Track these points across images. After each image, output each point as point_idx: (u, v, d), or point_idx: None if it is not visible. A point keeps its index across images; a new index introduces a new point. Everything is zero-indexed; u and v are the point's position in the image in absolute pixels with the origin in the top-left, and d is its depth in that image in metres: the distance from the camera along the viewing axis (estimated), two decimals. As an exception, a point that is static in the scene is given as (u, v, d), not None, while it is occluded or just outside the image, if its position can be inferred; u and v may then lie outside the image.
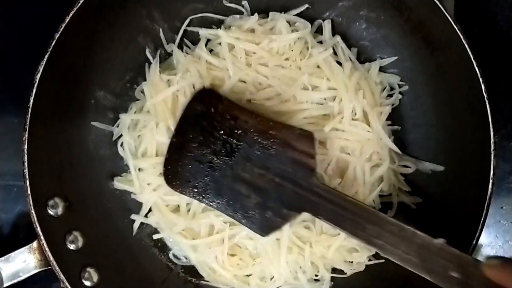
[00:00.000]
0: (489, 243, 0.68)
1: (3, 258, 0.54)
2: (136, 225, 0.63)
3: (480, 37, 0.70)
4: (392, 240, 0.48)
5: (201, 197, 0.57)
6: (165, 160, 0.58)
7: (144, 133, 0.62)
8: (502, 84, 0.70)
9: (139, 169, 0.63)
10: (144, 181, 0.62)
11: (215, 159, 0.56)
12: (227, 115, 0.57)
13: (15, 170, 0.67)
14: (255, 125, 0.56)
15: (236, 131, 0.56)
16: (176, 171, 0.57)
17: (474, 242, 0.53)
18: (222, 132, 0.56)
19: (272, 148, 0.55)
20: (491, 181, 0.53)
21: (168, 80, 0.62)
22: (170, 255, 0.64)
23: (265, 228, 0.54)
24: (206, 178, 0.56)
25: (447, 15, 0.54)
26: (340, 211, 0.51)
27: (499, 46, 0.71)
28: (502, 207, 0.69)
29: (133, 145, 0.63)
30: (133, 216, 0.63)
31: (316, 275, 0.61)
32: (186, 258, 0.64)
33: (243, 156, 0.55)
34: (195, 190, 0.57)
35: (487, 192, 0.53)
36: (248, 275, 0.61)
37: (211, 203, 0.56)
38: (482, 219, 0.53)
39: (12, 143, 0.67)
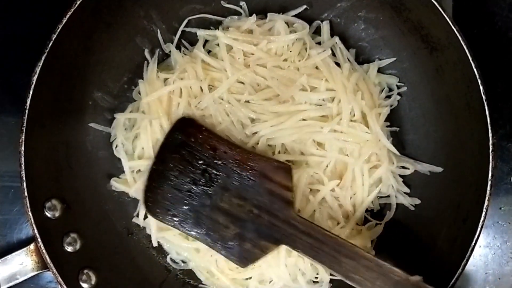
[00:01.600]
0: (488, 243, 0.68)
1: (0, 260, 0.54)
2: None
3: (479, 38, 0.70)
4: (369, 275, 0.49)
5: (180, 226, 0.57)
6: (145, 187, 0.59)
7: (139, 133, 0.62)
8: (501, 84, 0.70)
9: (137, 171, 0.62)
10: (140, 179, 0.62)
11: (194, 188, 0.57)
12: (206, 145, 0.57)
13: (12, 171, 0.67)
14: (234, 156, 0.57)
15: (215, 161, 0.57)
16: (156, 199, 0.58)
17: (473, 243, 0.53)
18: (201, 162, 0.57)
19: (250, 179, 0.56)
20: (489, 182, 0.53)
21: (165, 79, 0.62)
22: (168, 260, 0.64)
23: (244, 259, 0.55)
24: (185, 207, 0.57)
25: (445, 16, 0.54)
26: (317, 244, 0.52)
27: (497, 47, 0.71)
28: (500, 208, 0.69)
29: (129, 147, 0.63)
30: (135, 219, 0.63)
31: (316, 277, 0.61)
32: (184, 262, 0.64)
33: (221, 186, 0.56)
34: (175, 218, 0.57)
35: (485, 193, 0.53)
36: (247, 279, 0.61)
37: (191, 232, 0.57)
38: (481, 220, 0.53)
39: (10, 143, 0.67)
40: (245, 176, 0.56)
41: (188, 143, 0.58)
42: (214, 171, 0.56)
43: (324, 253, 0.51)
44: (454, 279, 0.53)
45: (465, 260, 0.53)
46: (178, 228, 0.58)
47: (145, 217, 0.63)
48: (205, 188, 0.56)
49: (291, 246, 0.53)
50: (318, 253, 0.51)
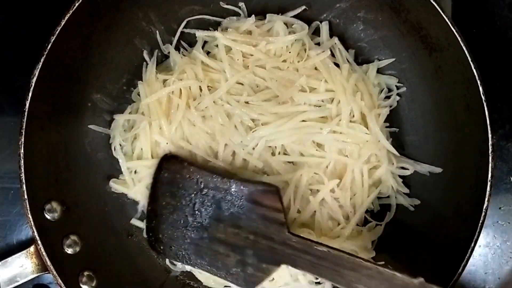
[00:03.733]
0: (487, 243, 0.68)
1: (0, 263, 0.54)
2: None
3: (478, 38, 0.70)
4: (372, 283, 0.49)
5: (184, 260, 0.58)
6: (146, 229, 0.61)
7: (138, 134, 0.62)
8: (500, 84, 0.70)
9: (135, 171, 0.63)
10: (140, 182, 0.62)
11: (190, 222, 0.58)
12: (192, 179, 0.58)
13: (12, 172, 0.66)
14: (220, 187, 0.57)
15: (203, 194, 0.57)
16: (157, 238, 0.59)
17: (473, 243, 0.53)
18: (190, 197, 0.58)
19: (240, 207, 0.56)
20: (489, 183, 0.53)
21: (164, 80, 0.62)
22: (167, 261, 0.64)
23: (249, 283, 0.56)
24: (185, 241, 0.58)
25: (444, 16, 0.54)
26: (316, 260, 0.52)
27: (497, 47, 0.71)
28: (500, 208, 0.69)
29: (129, 148, 0.63)
30: (133, 221, 0.63)
31: (317, 278, 0.61)
32: (183, 264, 0.63)
33: (215, 217, 0.57)
34: (178, 254, 0.58)
35: (485, 194, 0.53)
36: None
37: (196, 265, 0.58)
38: (481, 220, 0.53)
39: (9, 145, 0.66)
40: (235, 205, 0.56)
41: (175, 179, 0.59)
42: (204, 205, 0.57)
43: (325, 268, 0.51)
44: (454, 279, 0.53)
45: (465, 260, 0.53)
46: (183, 263, 0.59)
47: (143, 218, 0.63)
48: (199, 221, 0.57)
49: (292, 265, 0.53)
50: (319, 269, 0.52)
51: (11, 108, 0.67)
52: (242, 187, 0.56)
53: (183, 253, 0.58)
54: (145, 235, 0.61)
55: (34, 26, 0.68)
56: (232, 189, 0.56)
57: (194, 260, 0.58)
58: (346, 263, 0.50)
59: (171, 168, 0.59)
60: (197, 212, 0.57)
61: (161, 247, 0.59)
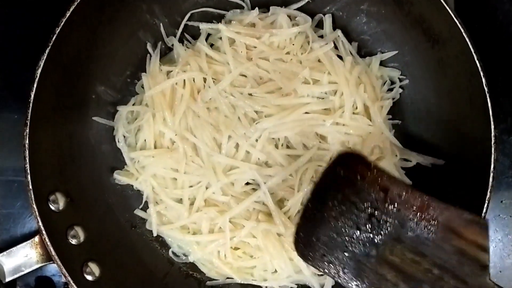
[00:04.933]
0: (489, 237, 0.68)
1: (5, 252, 0.54)
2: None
3: (480, 32, 0.70)
4: None
5: (337, 275, 0.48)
6: (297, 226, 0.50)
7: (142, 125, 0.62)
8: (502, 78, 0.70)
9: (138, 162, 0.63)
10: (144, 171, 0.62)
11: (358, 234, 0.48)
12: (376, 185, 0.48)
13: (15, 165, 0.67)
14: (410, 201, 0.47)
15: (386, 205, 0.47)
16: (309, 241, 0.49)
17: (475, 236, 0.53)
18: (368, 204, 0.48)
19: (432, 232, 0.46)
20: (491, 174, 0.53)
21: (168, 72, 0.63)
22: (170, 253, 0.64)
23: None
24: (344, 254, 0.48)
25: (448, 8, 0.54)
26: None
27: (499, 41, 0.71)
28: (501, 201, 0.69)
29: (132, 139, 0.64)
30: (137, 212, 0.64)
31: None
32: (186, 256, 0.64)
33: (392, 235, 0.47)
34: (331, 265, 0.49)
35: (487, 186, 0.53)
36: (252, 267, 0.61)
37: (349, 284, 0.48)
38: (483, 213, 0.53)
39: (12, 138, 0.67)
40: (424, 227, 0.46)
41: (354, 181, 0.48)
42: (384, 217, 0.47)
43: None
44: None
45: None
46: (332, 277, 0.49)
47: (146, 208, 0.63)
48: (371, 235, 0.47)
49: None
50: None
51: (14, 103, 0.68)
52: (438, 209, 0.46)
53: (337, 267, 0.48)
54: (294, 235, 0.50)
55: (38, 21, 0.68)
56: (425, 209, 0.47)
57: (348, 278, 0.48)
58: None
59: (352, 166, 0.49)
60: (370, 224, 0.47)
61: (310, 253, 0.49)
